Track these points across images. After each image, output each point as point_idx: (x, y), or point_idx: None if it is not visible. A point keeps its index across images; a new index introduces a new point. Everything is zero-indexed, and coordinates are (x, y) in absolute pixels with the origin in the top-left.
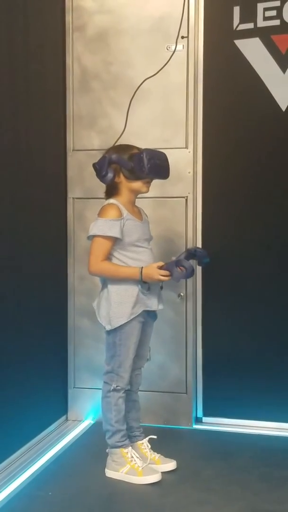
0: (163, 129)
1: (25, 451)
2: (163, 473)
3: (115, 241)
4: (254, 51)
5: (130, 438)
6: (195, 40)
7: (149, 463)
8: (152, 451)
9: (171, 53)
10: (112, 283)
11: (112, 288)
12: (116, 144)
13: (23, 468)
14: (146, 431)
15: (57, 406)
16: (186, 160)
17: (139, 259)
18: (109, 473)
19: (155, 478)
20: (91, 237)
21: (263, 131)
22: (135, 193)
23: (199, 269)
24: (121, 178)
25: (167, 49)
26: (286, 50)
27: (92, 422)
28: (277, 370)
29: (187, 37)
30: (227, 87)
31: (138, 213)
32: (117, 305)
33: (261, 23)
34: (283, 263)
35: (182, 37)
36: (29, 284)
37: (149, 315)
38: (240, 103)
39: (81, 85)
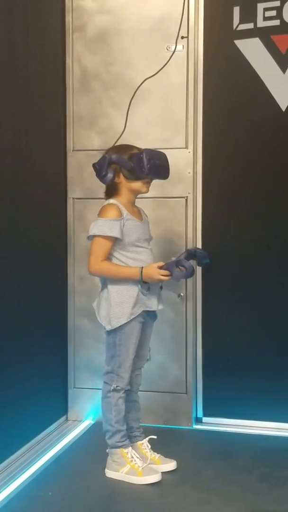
0: (163, 129)
1: (25, 451)
2: (163, 473)
3: (115, 241)
4: (254, 51)
5: (130, 438)
6: (195, 40)
7: (149, 463)
8: (152, 451)
9: (171, 53)
10: (112, 283)
11: (112, 288)
12: (116, 144)
13: (23, 468)
14: (146, 431)
15: (57, 406)
16: (186, 160)
17: (139, 259)
18: (109, 473)
19: (155, 478)
20: (91, 237)
21: (263, 131)
22: (135, 193)
23: (199, 269)
24: (121, 178)
25: (167, 49)
26: (286, 50)
27: (92, 422)
28: (277, 370)
29: (187, 37)
30: (227, 87)
31: (138, 213)
32: (117, 305)
33: (261, 23)
34: (283, 263)
35: (182, 37)
36: (29, 284)
37: (149, 315)
38: (240, 103)
39: (81, 85)
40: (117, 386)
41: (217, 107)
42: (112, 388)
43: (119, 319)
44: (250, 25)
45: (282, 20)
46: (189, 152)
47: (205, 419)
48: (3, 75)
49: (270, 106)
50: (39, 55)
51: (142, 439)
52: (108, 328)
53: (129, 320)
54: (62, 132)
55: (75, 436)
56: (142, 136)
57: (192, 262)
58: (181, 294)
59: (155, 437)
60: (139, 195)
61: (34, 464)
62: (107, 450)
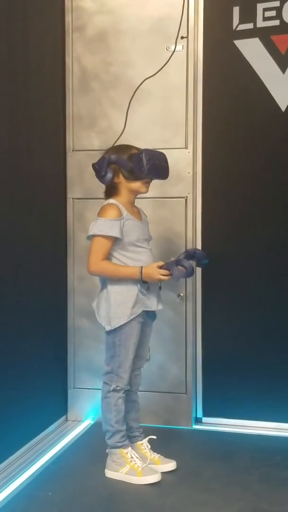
0: (162, 130)
1: (25, 452)
2: (163, 473)
3: (115, 241)
4: (253, 51)
5: (130, 438)
6: (194, 41)
7: (149, 464)
8: (152, 451)
9: (171, 53)
10: (112, 284)
11: (111, 289)
12: (115, 145)
13: (23, 469)
14: (146, 432)
15: (57, 406)
16: (185, 160)
17: (138, 259)
18: (109, 473)
19: (155, 478)
20: (91, 237)
21: (263, 131)
22: (135, 193)
23: (198, 270)
24: (121, 179)
25: (167, 50)
26: (286, 50)
27: (92, 422)
28: (277, 370)
29: (187, 37)
30: (227, 87)
31: (137, 213)
32: (117, 306)
33: (260, 23)
34: (283, 263)
35: (182, 38)
36: (29, 284)
37: (149, 316)
38: (239, 103)
39: (81, 86)
40: (116, 386)
41: (216, 107)
42: (111, 388)
43: (119, 319)
44: (249, 25)
45: (282, 20)
46: (189, 152)
47: (204, 419)
48: (3, 75)
49: (269, 106)
50: (38, 55)
51: (142, 439)
52: (108, 328)
53: (128, 320)
54: (61, 132)
55: (75, 436)
56: (142, 136)
57: (192, 263)
58: (181, 294)
59: (154, 437)
60: (139, 195)
61: (34, 464)
62: (106, 450)
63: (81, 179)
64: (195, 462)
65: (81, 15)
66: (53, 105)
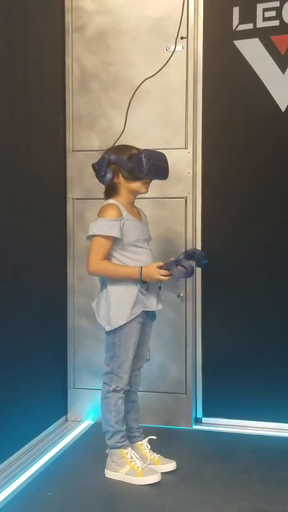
0: (162, 130)
1: (24, 452)
2: (162, 473)
3: (115, 241)
4: (253, 52)
5: (130, 438)
6: (194, 41)
7: (148, 464)
8: (151, 451)
9: (171, 53)
10: (112, 284)
11: (111, 289)
12: (115, 145)
13: (23, 469)
14: (146, 432)
15: (56, 406)
16: (185, 160)
17: (138, 259)
18: (109, 473)
19: (154, 478)
20: (91, 237)
21: (263, 131)
22: (134, 193)
23: (198, 270)
24: (120, 179)
25: (167, 50)
26: (286, 51)
27: (92, 422)
28: (277, 371)
29: (187, 37)
30: (227, 87)
31: (137, 213)
32: (117, 306)
33: (260, 23)
34: (283, 263)
35: (182, 38)
36: (29, 284)
37: (148, 316)
38: (239, 104)
39: (81, 86)
40: (116, 387)
41: (216, 107)
42: (111, 388)
43: (118, 319)
44: (249, 26)
45: (282, 21)
46: (189, 153)
47: (204, 420)
48: (3, 75)
49: (269, 107)
50: (38, 55)
51: (142, 440)
52: (108, 328)
53: (128, 320)
54: (61, 133)
55: (75, 437)
56: (142, 136)
57: (191, 263)
58: (181, 294)
59: (154, 437)
60: (139, 195)
61: (33, 464)
62: (106, 451)
63: (81, 179)
64: (195, 462)
65: (81, 15)
66: (53, 105)
